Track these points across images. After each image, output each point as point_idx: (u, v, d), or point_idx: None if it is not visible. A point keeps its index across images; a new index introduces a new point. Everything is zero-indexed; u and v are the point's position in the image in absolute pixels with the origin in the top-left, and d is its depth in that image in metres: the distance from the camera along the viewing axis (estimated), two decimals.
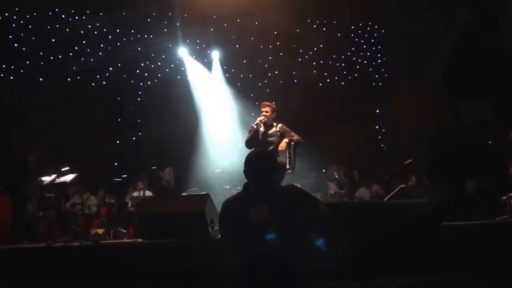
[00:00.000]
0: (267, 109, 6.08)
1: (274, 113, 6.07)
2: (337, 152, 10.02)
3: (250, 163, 3.41)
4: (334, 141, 9.97)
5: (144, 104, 11.46)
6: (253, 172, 3.35)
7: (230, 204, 3.33)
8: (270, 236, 2.78)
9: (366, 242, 3.29)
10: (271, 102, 6.21)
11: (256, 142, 5.86)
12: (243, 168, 3.53)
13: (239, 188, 6.01)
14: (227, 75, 11.46)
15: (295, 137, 5.92)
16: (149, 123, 11.27)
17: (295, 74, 11.52)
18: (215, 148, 10.36)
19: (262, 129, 5.98)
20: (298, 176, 7.65)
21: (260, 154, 3.60)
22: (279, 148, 5.79)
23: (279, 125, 6.05)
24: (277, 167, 3.91)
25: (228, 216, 3.27)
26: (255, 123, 5.97)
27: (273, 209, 2.97)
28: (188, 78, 11.40)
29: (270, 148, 5.80)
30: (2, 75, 10.23)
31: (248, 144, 5.88)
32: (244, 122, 9.64)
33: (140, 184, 8.93)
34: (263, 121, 5.96)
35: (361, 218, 3.54)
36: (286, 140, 5.85)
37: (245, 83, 11.46)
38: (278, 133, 5.99)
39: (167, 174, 8.95)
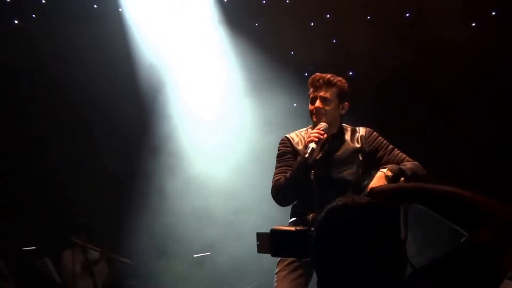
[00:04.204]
0: (324, 92, 2.85)
1: (345, 104, 2.86)
2: None
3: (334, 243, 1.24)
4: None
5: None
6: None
7: None
8: None
9: None
10: (334, 74, 2.82)
11: (303, 184, 2.87)
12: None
13: None
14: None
15: (409, 162, 2.78)
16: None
17: None
18: (194, 190, 5.57)
19: (314, 147, 2.89)
20: None
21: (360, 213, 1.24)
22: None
23: (361, 131, 2.96)
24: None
25: None
26: (294, 134, 3.07)
27: None
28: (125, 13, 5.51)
29: (345, 197, 1.86)
30: None
31: (279, 190, 2.88)
32: (269, 127, 5.22)
33: None
34: (320, 132, 2.82)
35: None
36: (385, 171, 2.67)
37: (277, 29, 5.50)
38: (360, 154, 2.91)
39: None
